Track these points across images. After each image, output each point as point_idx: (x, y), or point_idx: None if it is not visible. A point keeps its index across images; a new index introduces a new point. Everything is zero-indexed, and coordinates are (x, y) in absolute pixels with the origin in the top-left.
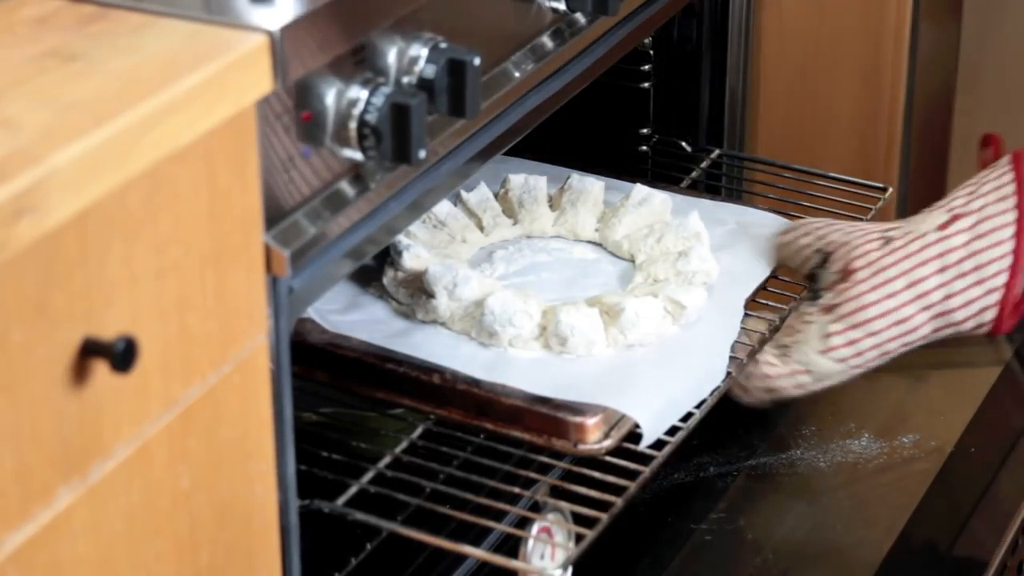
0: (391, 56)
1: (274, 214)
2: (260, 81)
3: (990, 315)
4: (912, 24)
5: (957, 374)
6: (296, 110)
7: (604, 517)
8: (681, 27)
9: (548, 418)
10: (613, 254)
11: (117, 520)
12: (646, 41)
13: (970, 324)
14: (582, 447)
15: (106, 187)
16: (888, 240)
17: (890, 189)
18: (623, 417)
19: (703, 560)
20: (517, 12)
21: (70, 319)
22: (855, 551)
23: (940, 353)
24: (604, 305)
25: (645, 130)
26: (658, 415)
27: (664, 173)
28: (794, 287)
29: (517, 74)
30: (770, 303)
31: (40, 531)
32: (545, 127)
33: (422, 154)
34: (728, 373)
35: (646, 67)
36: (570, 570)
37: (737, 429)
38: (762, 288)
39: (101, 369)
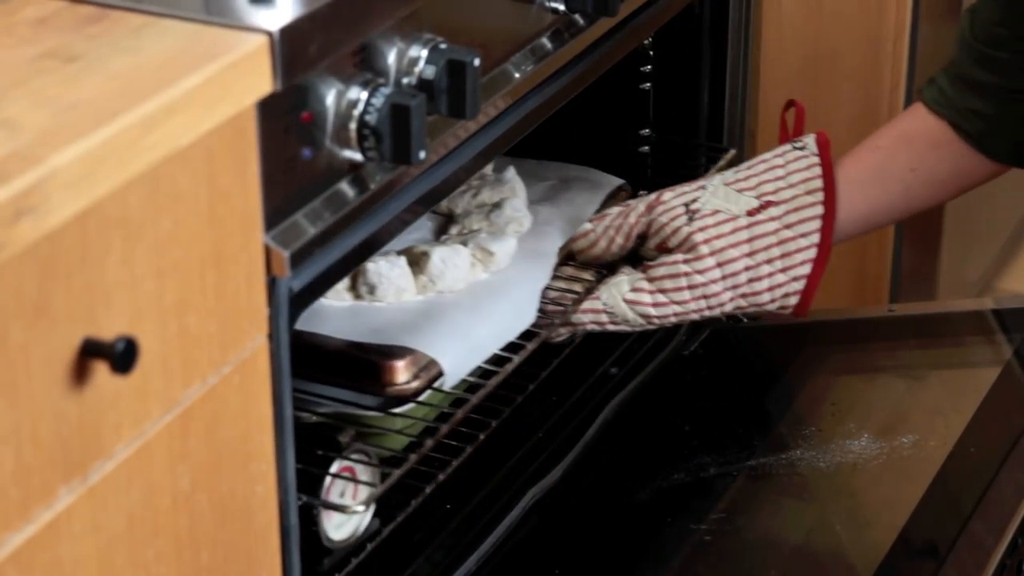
0: (391, 57)
1: (274, 215)
2: (260, 82)
3: (794, 300)
4: (912, 25)
5: (957, 374)
6: (296, 111)
7: (412, 457)
8: (681, 27)
9: (359, 361)
10: (435, 211)
11: (117, 520)
12: (646, 42)
13: (774, 306)
14: (391, 389)
15: (106, 188)
16: (693, 213)
17: (732, 151)
18: (432, 360)
19: (703, 560)
20: (517, 13)
21: (70, 319)
22: (855, 551)
23: (940, 353)
24: (412, 255)
25: (645, 131)
26: (462, 357)
27: (664, 173)
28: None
29: (517, 75)
30: None
31: (40, 531)
32: (545, 128)
33: (422, 155)
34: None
35: (646, 68)
36: (372, 508)
37: (736, 429)
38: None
39: (101, 370)
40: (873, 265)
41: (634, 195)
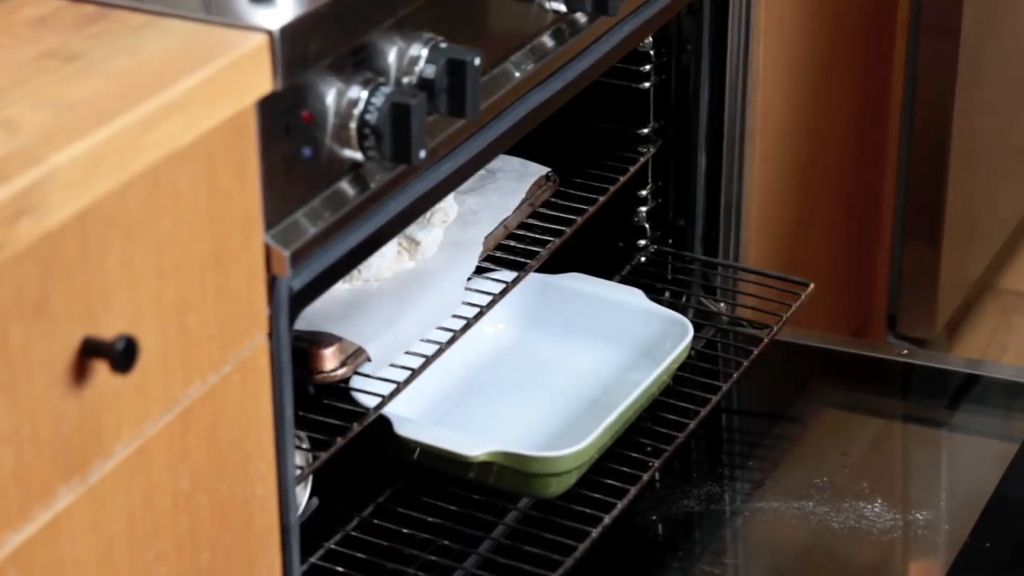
0: (391, 56)
1: (274, 214)
2: (260, 81)
3: None
4: (913, 23)
5: (972, 441)
6: (296, 110)
7: (339, 440)
8: (681, 27)
9: None
10: None
11: (117, 520)
12: (646, 41)
13: None
14: (319, 376)
15: (106, 187)
16: None
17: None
18: (359, 348)
19: None
20: (517, 12)
21: (70, 319)
22: None
23: (961, 416)
24: None
25: (645, 130)
26: (388, 345)
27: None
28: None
29: (517, 74)
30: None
31: (40, 531)
32: (545, 127)
33: (422, 154)
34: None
35: (646, 67)
36: (310, 484)
37: (748, 460)
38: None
39: (101, 369)
40: (873, 264)
41: (563, 183)
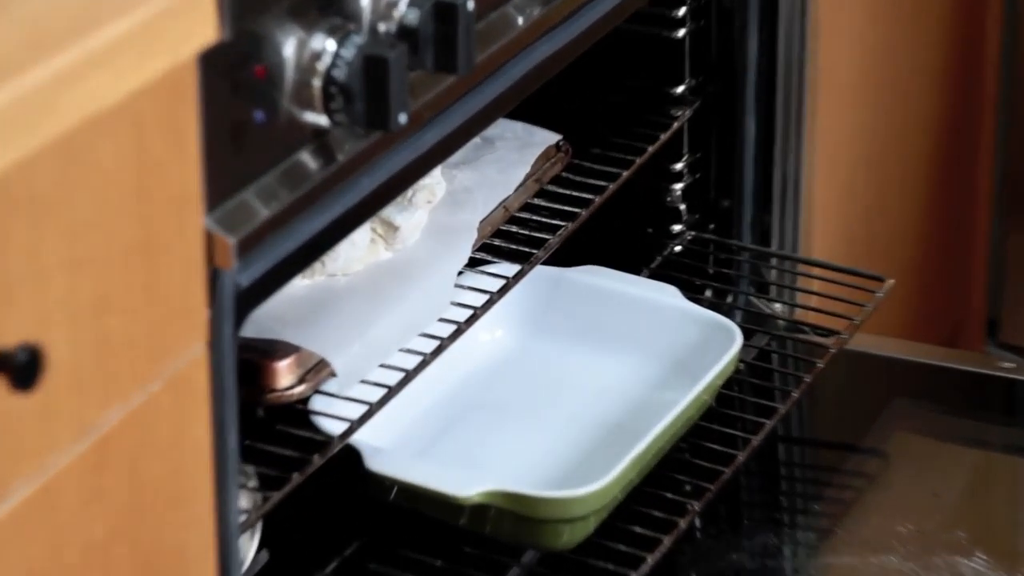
0: None
1: (218, 193)
2: (202, 28)
3: None
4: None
5: None
6: (246, 64)
7: (296, 477)
8: None
9: None
10: None
11: None
12: None
13: None
14: (271, 395)
15: (8, 160)
16: None
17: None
18: (321, 360)
19: None
20: None
21: None
22: None
23: None
24: None
25: (679, 88)
26: (358, 356)
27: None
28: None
29: (520, 20)
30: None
31: None
32: (554, 86)
33: (402, 119)
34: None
35: (680, 11)
36: (259, 531)
37: (813, 503)
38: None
39: None
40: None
41: (577, 154)
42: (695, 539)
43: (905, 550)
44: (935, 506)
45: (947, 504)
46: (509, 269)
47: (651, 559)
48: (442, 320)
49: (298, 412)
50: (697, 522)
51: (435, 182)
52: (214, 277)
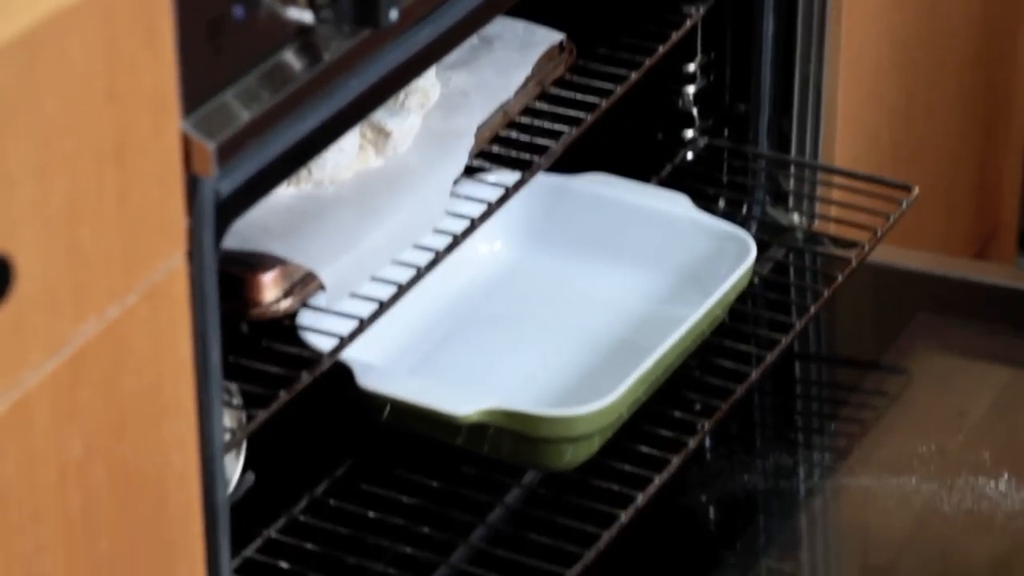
0: None
1: (195, 94)
2: None
3: None
4: None
5: None
6: None
7: (283, 394)
8: None
9: None
10: None
11: None
12: None
13: None
14: (255, 310)
15: None
16: None
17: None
18: (308, 273)
19: None
20: None
21: None
22: None
23: None
24: None
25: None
26: (348, 269)
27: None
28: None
29: None
30: None
31: None
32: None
33: (393, 15)
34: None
35: None
36: (244, 452)
37: (830, 422)
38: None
39: None
40: (998, 164)
41: (582, 54)
42: (704, 460)
43: (926, 471)
44: (959, 425)
45: (971, 423)
46: (508, 177)
47: (658, 479)
48: (437, 231)
49: (285, 328)
50: (707, 442)
51: (429, 84)
52: (192, 184)
